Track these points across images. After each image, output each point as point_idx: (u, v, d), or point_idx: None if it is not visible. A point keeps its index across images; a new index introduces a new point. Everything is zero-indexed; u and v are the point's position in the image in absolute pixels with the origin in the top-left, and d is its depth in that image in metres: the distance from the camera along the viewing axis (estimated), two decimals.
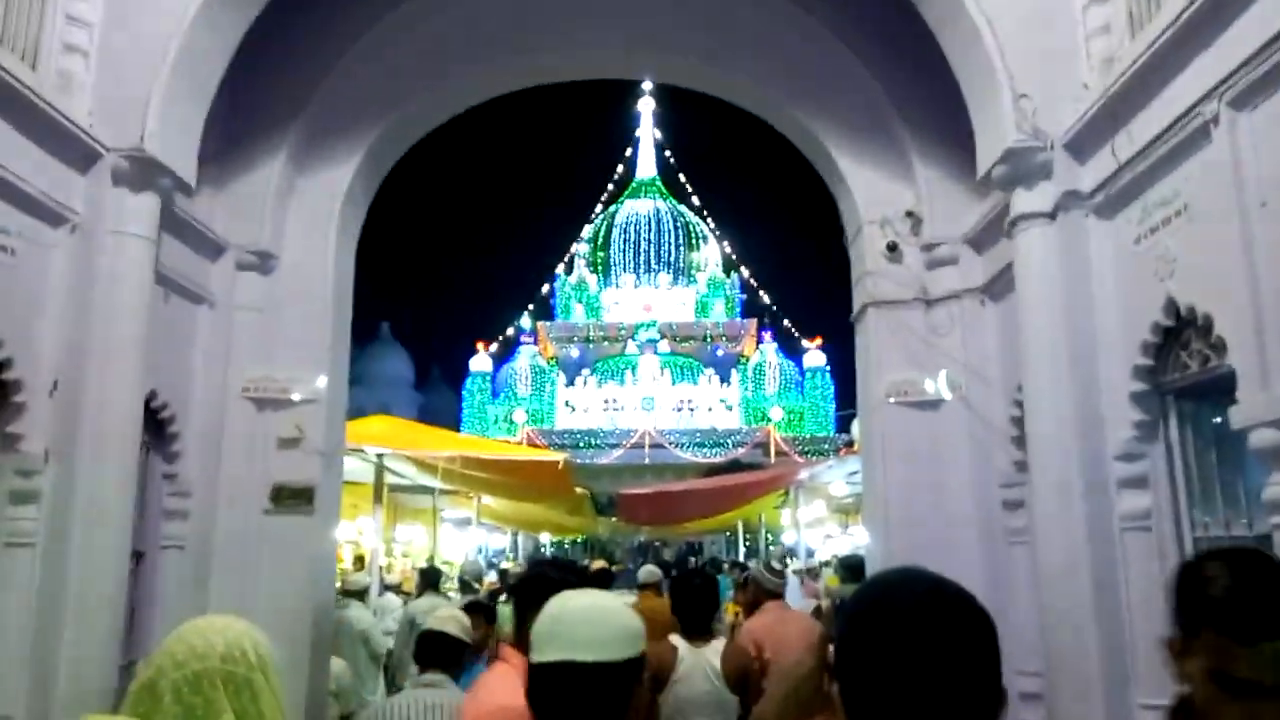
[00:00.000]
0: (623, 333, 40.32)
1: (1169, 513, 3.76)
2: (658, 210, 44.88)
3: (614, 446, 34.64)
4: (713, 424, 36.67)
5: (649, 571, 8.73)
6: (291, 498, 5.28)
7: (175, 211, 4.70)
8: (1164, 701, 3.57)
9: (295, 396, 5.36)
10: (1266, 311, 2.99)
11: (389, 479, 10.72)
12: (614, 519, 22.90)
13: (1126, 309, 3.92)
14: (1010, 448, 4.91)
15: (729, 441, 34.89)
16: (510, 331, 40.23)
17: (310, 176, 5.75)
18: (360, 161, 5.82)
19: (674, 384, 38.15)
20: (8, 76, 3.64)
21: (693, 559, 20.16)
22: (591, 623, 1.60)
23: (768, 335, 40.07)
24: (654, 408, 37.07)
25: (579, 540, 29.64)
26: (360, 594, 8.41)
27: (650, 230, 44.20)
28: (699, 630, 3.95)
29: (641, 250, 43.81)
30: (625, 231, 44.35)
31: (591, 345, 40.63)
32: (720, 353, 40.08)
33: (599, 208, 45.47)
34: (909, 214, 5.59)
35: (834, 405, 37.28)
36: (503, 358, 39.86)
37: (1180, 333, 3.65)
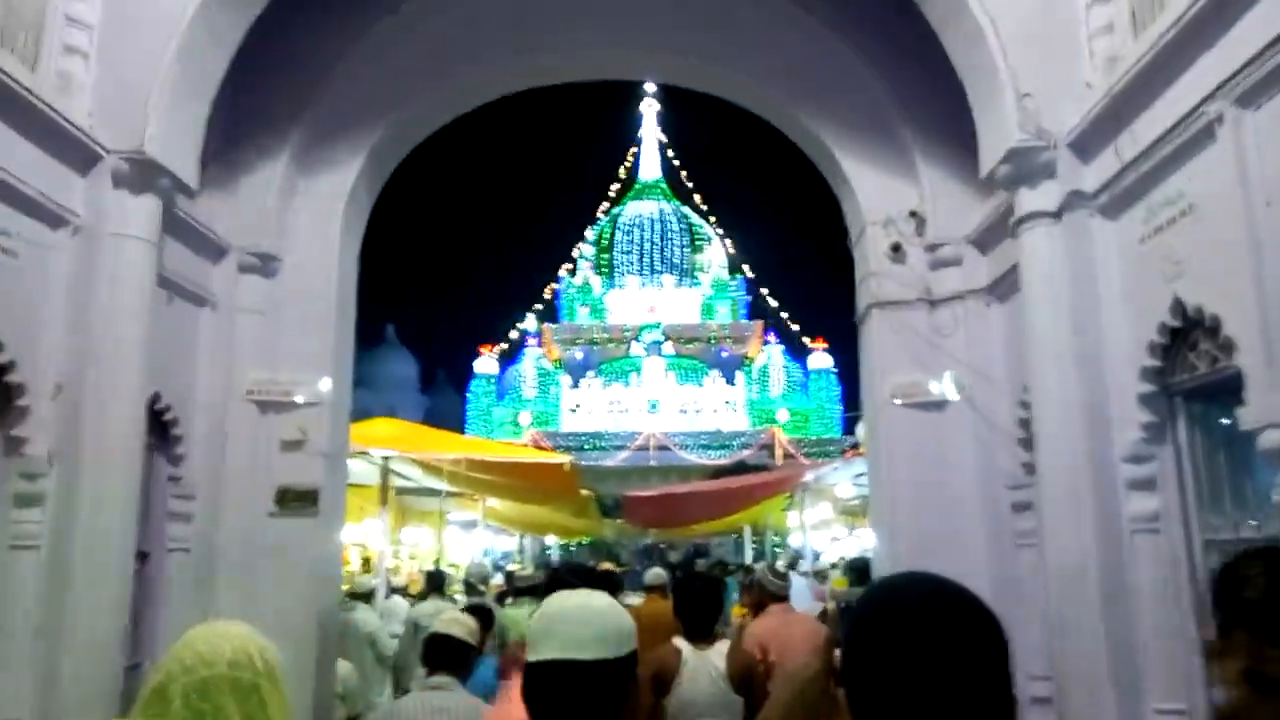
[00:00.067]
0: (627, 334, 40.29)
1: (1178, 515, 3.73)
2: (662, 212, 44.84)
3: (619, 448, 34.61)
4: (718, 426, 36.61)
5: (655, 574, 8.70)
6: (296, 500, 5.28)
7: (177, 213, 4.70)
8: (1177, 705, 3.59)
9: (299, 399, 5.36)
10: (1274, 311, 2.97)
11: (395, 481, 10.73)
12: (620, 521, 22.89)
13: (1133, 310, 3.89)
14: (1017, 449, 4.88)
15: (734, 443, 34.84)
16: (515, 334, 40.26)
17: (313, 178, 5.74)
18: (363, 163, 5.82)
19: (679, 386, 38.11)
20: (7, 78, 3.64)
21: (699, 561, 20.11)
22: (583, 622, 1.64)
23: (773, 337, 40.01)
24: (659, 410, 37.04)
25: (585, 542, 29.63)
26: (367, 596, 8.40)
27: (654, 232, 44.17)
28: (702, 633, 3.94)
29: (646, 252, 43.77)
30: (629, 233, 44.32)
31: (596, 347, 40.60)
32: (725, 354, 40.03)
33: (603, 209, 45.47)
34: (912, 214, 5.57)
35: (840, 407, 37.20)
36: (508, 360, 39.88)
37: (1188, 333, 3.62)
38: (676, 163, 45.82)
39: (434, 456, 9.84)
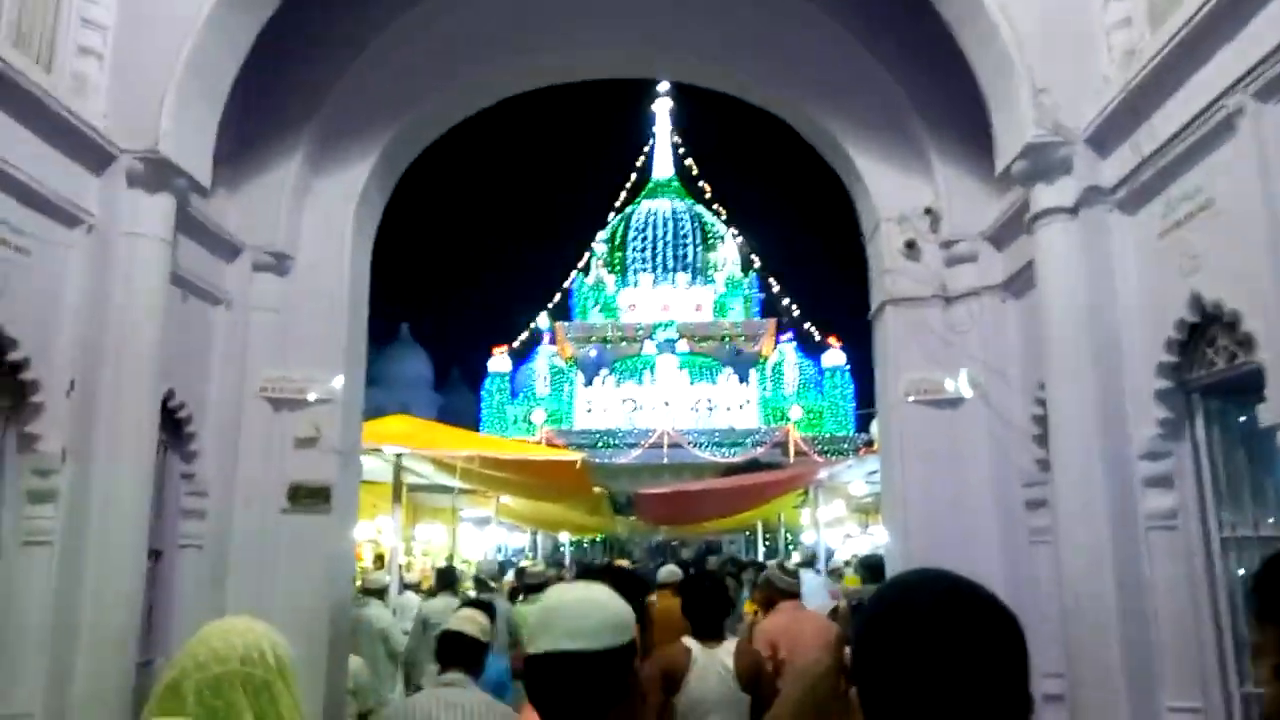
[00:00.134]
0: (640, 333, 40.31)
1: (1195, 512, 3.69)
2: (675, 210, 44.84)
3: (632, 446, 34.63)
4: (731, 424, 36.58)
5: (669, 571, 8.70)
6: (309, 497, 5.30)
7: (190, 213, 4.72)
8: (1193, 704, 3.55)
9: (311, 396, 5.37)
10: None
11: (408, 478, 10.76)
12: (632, 518, 22.90)
13: (1150, 305, 3.85)
14: (1032, 446, 4.85)
15: (748, 441, 34.80)
16: (529, 332, 40.34)
17: (326, 177, 5.76)
18: (375, 162, 5.83)
19: (692, 384, 38.09)
20: (22, 79, 3.66)
21: (711, 558, 20.10)
22: (581, 614, 1.67)
23: (786, 334, 39.94)
24: (672, 407, 37.02)
25: (598, 539, 29.67)
26: (380, 593, 8.45)
27: (667, 230, 44.17)
28: (711, 632, 3.94)
29: (659, 250, 43.79)
30: (642, 231, 44.34)
31: (609, 345, 40.64)
32: (739, 352, 39.98)
33: (616, 208, 45.50)
34: (927, 211, 5.54)
35: (854, 404, 37.11)
36: (521, 358, 39.96)
37: (1206, 329, 3.58)
38: (689, 161, 45.78)
39: (446, 454, 9.87)
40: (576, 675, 1.62)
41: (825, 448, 32.30)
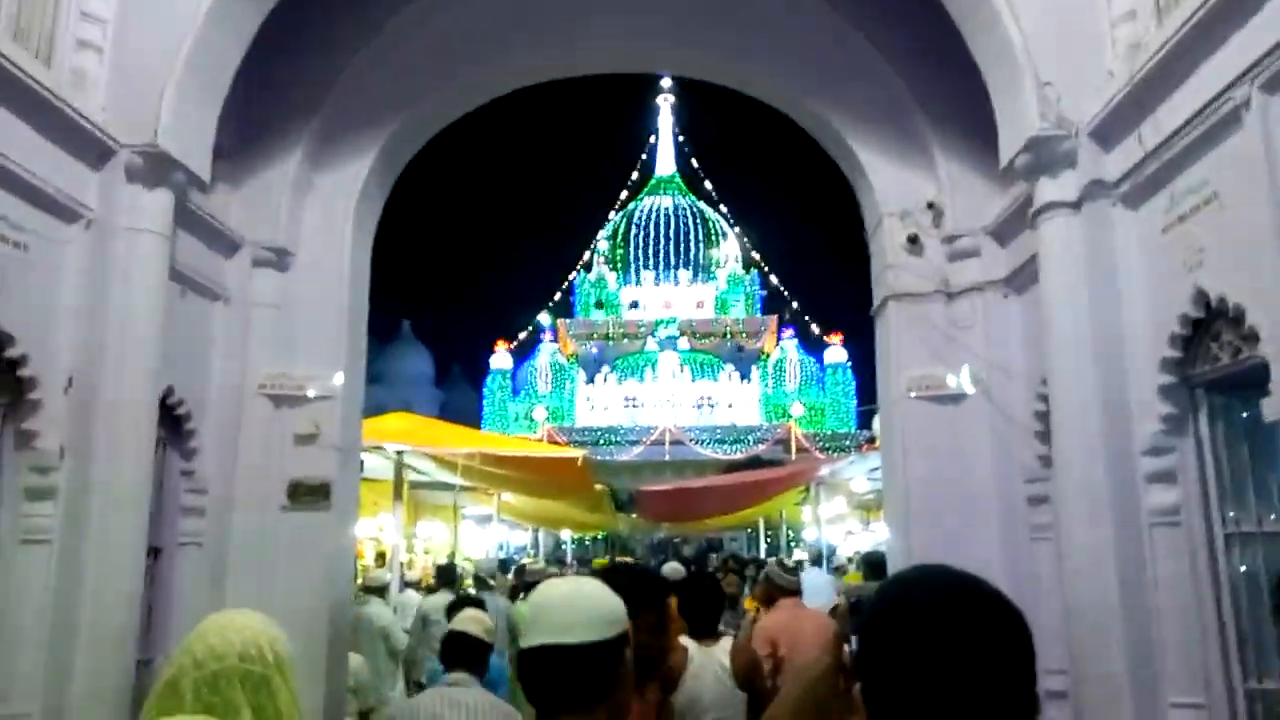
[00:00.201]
0: (642, 330, 40.30)
1: (1198, 507, 3.67)
2: (677, 207, 44.82)
3: (634, 443, 34.62)
4: (733, 420, 36.57)
5: (672, 568, 8.69)
6: (308, 494, 5.28)
7: (190, 208, 4.70)
8: (1196, 700, 3.53)
9: (311, 393, 5.36)
10: None
11: (410, 476, 10.75)
12: (633, 516, 22.90)
13: (1154, 300, 3.83)
14: (1034, 442, 4.83)
15: (749, 438, 34.78)
16: (530, 330, 40.33)
17: (326, 173, 5.74)
18: (376, 158, 5.81)
19: (694, 381, 38.07)
20: (22, 73, 3.64)
21: (712, 555, 20.10)
22: (571, 607, 1.69)
23: (788, 331, 39.91)
24: (674, 404, 37.01)
25: (599, 537, 29.67)
26: (380, 591, 8.43)
27: (669, 227, 44.15)
28: (707, 631, 3.93)
29: (661, 247, 43.77)
30: (644, 228, 44.32)
31: (611, 342, 40.64)
32: (740, 349, 39.98)
33: (618, 205, 45.47)
34: (930, 205, 5.51)
35: (855, 401, 37.09)
36: (523, 355, 39.97)
37: (1210, 324, 3.55)
38: (692, 159, 45.75)
39: (447, 451, 9.86)
40: (567, 668, 1.64)
41: (827, 444, 32.29)
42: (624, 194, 45.57)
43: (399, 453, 9.72)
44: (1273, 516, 3.54)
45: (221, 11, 4.46)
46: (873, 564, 8.35)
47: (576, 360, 40.08)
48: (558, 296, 41.90)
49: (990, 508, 5.09)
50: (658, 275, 43.07)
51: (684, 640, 3.90)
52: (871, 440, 25.85)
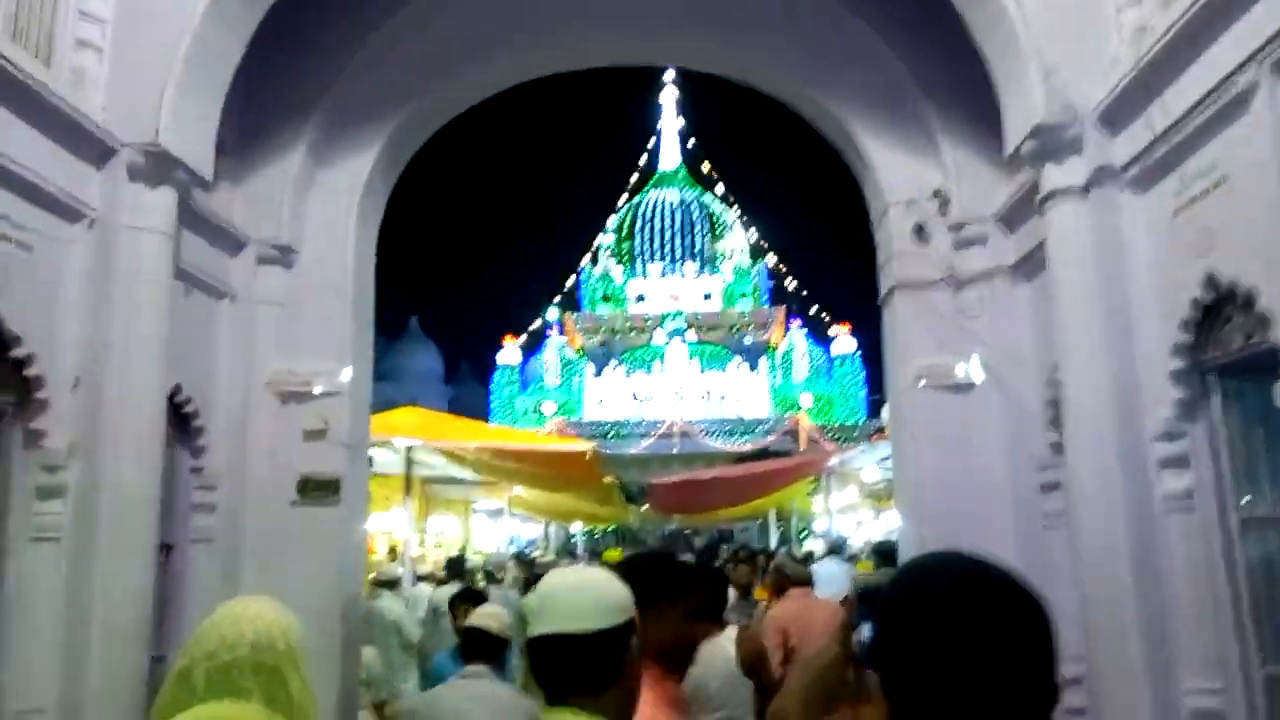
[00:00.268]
0: (650, 323, 40.25)
1: (1212, 493, 3.65)
2: (683, 199, 44.71)
3: (643, 436, 34.61)
4: (741, 412, 36.51)
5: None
6: (318, 489, 5.29)
7: (193, 206, 4.70)
8: (1212, 685, 3.51)
9: (319, 389, 5.36)
10: None
11: (420, 471, 10.78)
12: (644, 508, 22.90)
13: (1164, 285, 3.80)
14: (1045, 430, 4.80)
15: (758, 429, 34.73)
16: (538, 324, 40.33)
17: (329, 169, 5.73)
18: (379, 153, 5.80)
19: (702, 373, 38.03)
20: (21, 74, 3.63)
21: (723, 546, 20.10)
22: (578, 595, 1.72)
23: (796, 322, 39.81)
24: (682, 397, 36.98)
25: (610, 530, 29.69)
26: (392, 584, 8.46)
27: (675, 220, 44.06)
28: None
29: (667, 240, 43.68)
30: (650, 222, 44.23)
31: (619, 336, 40.60)
32: (748, 341, 39.90)
33: (624, 198, 45.39)
34: (936, 194, 5.48)
35: (865, 391, 37.00)
36: (531, 350, 39.97)
37: (1221, 308, 3.52)
38: (697, 151, 45.63)
39: (456, 445, 9.87)
40: (576, 655, 1.68)
41: (836, 435, 32.20)
42: (629, 187, 45.50)
43: (408, 448, 9.74)
44: None
45: (220, 9, 4.44)
46: (883, 553, 8.34)
47: (584, 354, 40.07)
48: (564, 291, 41.89)
49: (1002, 496, 5.07)
50: (664, 268, 42.99)
51: None
52: (881, 430, 25.79)
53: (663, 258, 43.41)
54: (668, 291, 41.93)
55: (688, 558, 8.79)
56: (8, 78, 3.58)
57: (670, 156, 47.04)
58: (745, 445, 32.58)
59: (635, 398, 37.11)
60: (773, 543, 20.54)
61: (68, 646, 3.79)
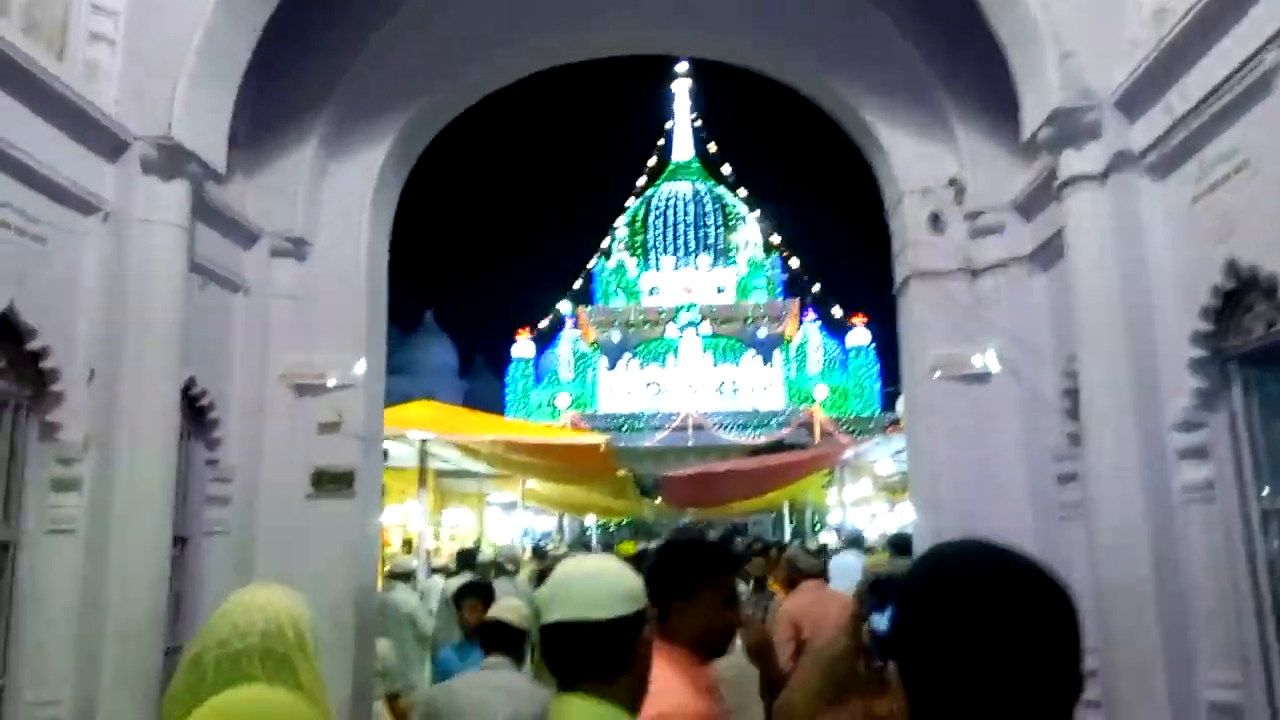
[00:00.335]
0: (664, 315, 40.22)
1: (1232, 483, 3.59)
2: (696, 192, 44.63)
3: (657, 429, 34.61)
4: (756, 405, 36.46)
5: None
6: (332, 482, 5.30)
7: (206, 199, 4.70)
8: (1231, 677, 3.47)
9: (333, 382, 5.37)
10: None
11: (435, 464, 10.81)
12: (658, 501, 22.92)
13: (1184, 273, 3.74)
14: (1062, 420, 4.75)
15: (773, 422, 34.68)
16: (551, 317, 40.36)
17: (342, 161, 5.73)
18: (391, 145, 5.78)
19: (716, 365, 37.98)
20: (34, 66, 3.64)
21: (737, 539, 20.09)
22: (590, 585, 1.76)
23: (810, 314, 39.70)
24: (696, 390, 36.95)
25: (624, 523, 29.73)
26: (407, 577, 8.49)
27: (689, 212, 43.99)
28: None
29: (680, 232, 43.62)
30: (664, 214, 44.19)
31: (633, 329, 40.60)
32: (762, 333, 39.82)
33: (636, 191, 45.34)
34: (951, 182, 5.42)
35: (879, 383, 36.87)
36: (545, 343, 40.04)
37: (1243, 295, 3.46)
38: (709, 143, 45.51)
39: (470, 439, 9.89)
40: (588, 643, 1.71)
41: (851, 428, 32.11)
42: (642, 180, 45.44)
43: (423, 441, 9.76)
44: None
45: (231, 1, 4.44)
46: (898, 545, 8.30)
47: (598, 347, 40.09)
48: (578, 284, 41.89)
49: (1019, 487, 5.02)
50: (678, 261, 42.93)
51: None
52: (896, 422, 25.70)
53: (676, 250, 43.35)
54: (681, 284, 41.89)
55: None
56: (21, 71, 3.59)
57: (683, 148, 46.94)
58: (760, 438, 32.53)
59: (655, 387, 37.08)
60: (787, 536, 20.50)
61: (82, 639, 3.81)
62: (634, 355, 39.11)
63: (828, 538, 15.23)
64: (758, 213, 43.54)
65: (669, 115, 47.24)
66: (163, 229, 4.27)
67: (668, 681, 2.06)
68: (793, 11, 5.70)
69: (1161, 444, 3.79)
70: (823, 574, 5.49)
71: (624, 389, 37.94)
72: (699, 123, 46.84)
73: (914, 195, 5.51)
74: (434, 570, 10.60)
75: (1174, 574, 3.71)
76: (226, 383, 5.11)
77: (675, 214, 44.03)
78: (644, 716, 1.95)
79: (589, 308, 41.78)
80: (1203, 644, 3.63)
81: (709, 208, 44.15)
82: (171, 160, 4.28)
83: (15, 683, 3.67)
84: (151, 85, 4.27)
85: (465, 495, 14.89)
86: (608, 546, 21.07)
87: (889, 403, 33.00)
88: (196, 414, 4.87)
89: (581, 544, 22.01)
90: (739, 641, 3.71)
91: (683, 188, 44.88)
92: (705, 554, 2.41)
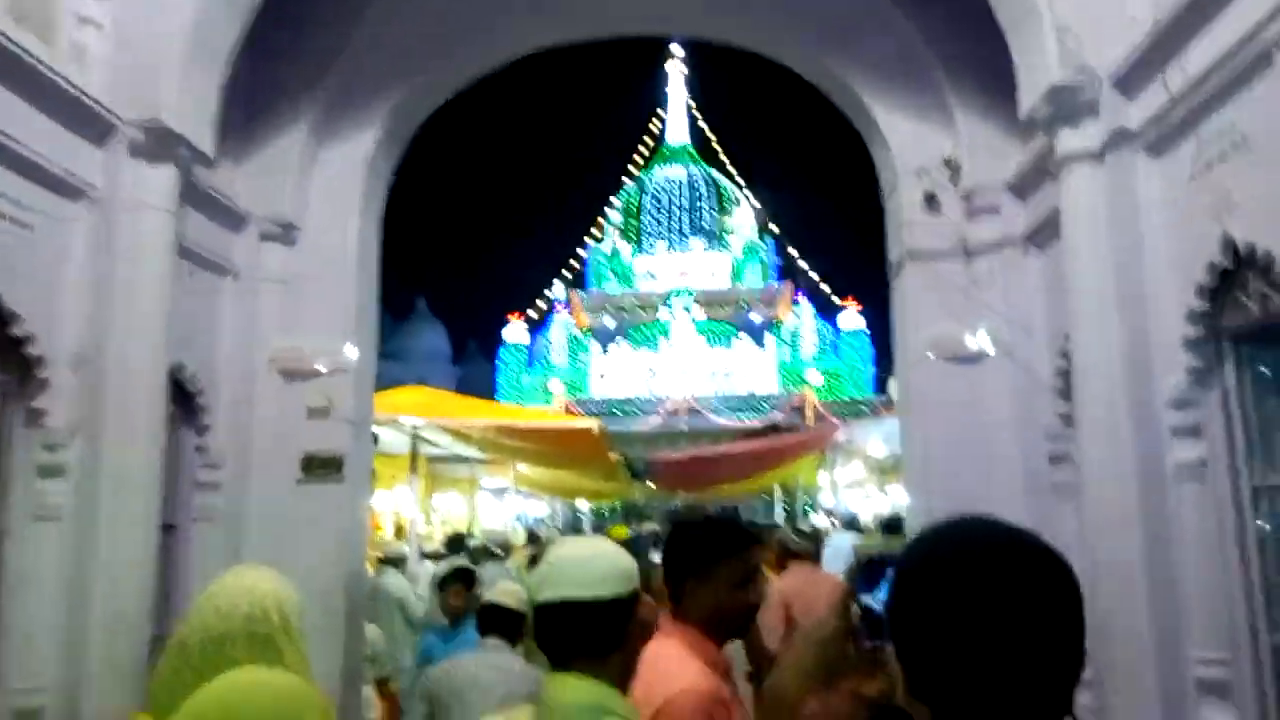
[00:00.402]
0: (656, 300, 40.15)
1: (1225, 462, 3.58)
2: (690, 176, 44.47)
3: (650, 413, 34.61)
4: (749, 389, 36.47)
5: None
6: (322, 467, 5.28)
7: (195, 184, 4.65)
8: (1221, 655, 3.47)
9: (322, 367, 5.34)
10: None
11: (426, 449, 10.77)
12: (649, 484, 22.95)
13: (1179, 251, 3.72)
14: (1055, 400, 4.74)
15: (766, 406, 34.70)
16: (544, 302, 40.27)
17: (332, 146, 5.67)
18: (381, 129, 5.73)
19: (709, 350, 37.97)
20: (20, 50, 3.58)
21: None
22: (585, 565, 1.78)
23: (803, 298, 39.67)
24: (690, 374, 36.94)
25: (616, 506, 29.76)
26: (398, 562, 8.47)
27: (682, 196, 43.85)
28: None
29: (674, 217, 43.49)
30: (657, 198, 44.04)
31: (625, 313, 40.51)
32: (755, 317, 39.80)
33: (630, 174, 45.18)
34: (947, 162, 5.39)
35: (873, 367, 36.92)
36: (537, 328, 39.94)
37: (1238, 274, 3.45)
38: (703, 126, 45.33)
39: (462, 423, 9.86)
40: (581, 622, 1.74)
41: (844, 411, 32.14)
42: (635, 163, 45.27)
43: (414, 427, 9.73)
44: None
45: None
46: (890, 526, 8.32)
47: (591, 332, 40.02)
48: (571, 268, 41.79)
49: (1011, 467, 5.02)
50: (671, 245, 42.83)
51: None
52: (888, 404, 25.74)
53: (669, 235, 43.24)
54: (675, 268, 41.78)
55: None
56: (8, 55, 3.53)
57: (677, 131, 46.75)
58: (753, 422, 32.56)
59: (648, 372, 37.07)
60: (780, 518, 20.56)
61: (69, 625, 3.78)
62: (627, 339, 39.07)
63: (818, 520, 15.27)
64: (752, 196, 43.45)
65: (662, 98, 47.05)
66: (150, 214, 4.23)
67: (680, 663, 2.03)
68: None
69: (1155, 423, 3.78)
70: (813, 555, 5.48)
71: (617, 373, 37.91)
72: (692, 105, 46.66)
73: (909, 175, 5.48)
74: (425, 555, 10.58)
75: (1165, 553, 3.71)
76: (215, 368, 5.07)
77: (669, 198, 43.89)
78: (656, 698, 1.93)
79: (582, 292, 41.68)
80: (1193, 621, 3.64)
81: (702, 191, 44.01)
82: (160, 144, 4.23)
83: (1, 670, 3.65)
84: (140, 69, 4.21)
85: (456, 480, 14.87)
86: (599, 530, 21.10)
87: (881, 386, 33.06)
88: (185, 399, 4.83)
89: (574, 528, 22.04)
90: None
91: (676, 172, 44.72)
92: (717, 533, 2.30)
